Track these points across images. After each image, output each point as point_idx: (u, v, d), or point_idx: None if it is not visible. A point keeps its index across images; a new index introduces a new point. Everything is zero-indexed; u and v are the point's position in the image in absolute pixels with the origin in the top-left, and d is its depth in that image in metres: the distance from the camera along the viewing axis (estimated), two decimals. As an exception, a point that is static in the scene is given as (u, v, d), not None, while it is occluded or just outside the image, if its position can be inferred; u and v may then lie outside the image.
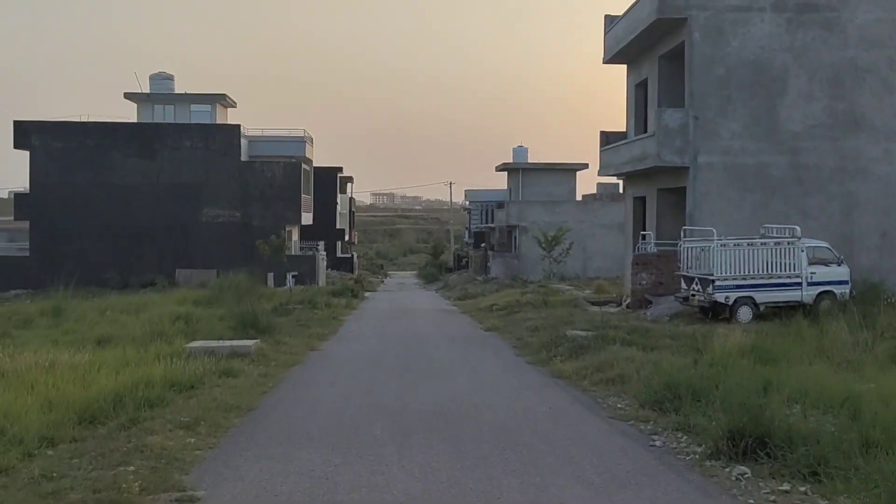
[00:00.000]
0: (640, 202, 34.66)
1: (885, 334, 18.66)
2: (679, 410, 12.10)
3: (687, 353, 17.80)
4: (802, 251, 24.85)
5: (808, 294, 24.76)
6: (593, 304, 34.61)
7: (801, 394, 11.94)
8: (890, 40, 28.13)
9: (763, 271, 24.69)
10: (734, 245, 24.77)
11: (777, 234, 25.99)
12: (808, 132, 28.16)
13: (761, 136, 28.20)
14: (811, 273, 24.89)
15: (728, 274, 24.45)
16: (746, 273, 24.56)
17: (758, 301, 24.58)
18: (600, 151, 36.60)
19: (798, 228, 25.09)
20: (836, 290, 25.00)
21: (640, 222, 34.66)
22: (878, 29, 28.13)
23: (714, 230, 24.86)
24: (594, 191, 74.88)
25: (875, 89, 28.20)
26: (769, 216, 27.62)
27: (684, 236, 26.54)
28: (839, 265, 25.34)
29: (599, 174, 37.14)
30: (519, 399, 14.34)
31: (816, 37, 28.18)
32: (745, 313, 24.30)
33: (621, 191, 72.35)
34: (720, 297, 24.32)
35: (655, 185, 31.82)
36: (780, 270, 24.76)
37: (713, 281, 24.33)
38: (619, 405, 13.55)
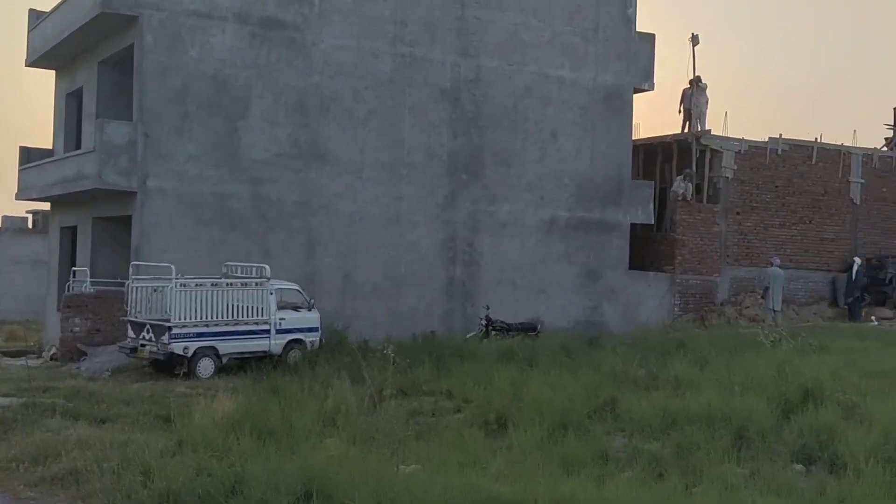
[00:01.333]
0: (70, 233, 29.19)
1: (385, 391, 16.06)
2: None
3: (158, 426, 13.49)
4: (272, 294, 21.68)
5: (276, 343, 21.53)
6: (6, 354, 28.41)
7: None
8: (354, 69, 26.31)
9: (228, 317, 21.01)
10: (196, 285, 20.77)
11: (243, 273, 22.54)
12: (272, 161, 25.21)
13: (221, 163, 24.65)
14: (280, 319, 21.73)
15: (188, 320, 20.36)
16: (209, 319, 20.69)
17: (221, 352, 20.80)
18: (19, 171, 30.46)
19: (267, 268, 21.88)
20: (307, 337, 22.16)
21: (68, 257, 29.16)
22: (343, 56, 26.19)
23: (173, 267, 20.63)
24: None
25: (340, 120, 26.15)
26: (229, 253, 24.02)
27: (133, 274, 21.91)
28: (310, 310, 22.56)
29: (18, 198, 30.87)
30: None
31: (282, 57, 25.43)
32: (206, 367, 20.39)
33: (31, 225, 64.84)
34: (178, 347, 20.10)
35: (92, 213, 26.69)
36: (248, 316, 21.28)
37: (170, 328, 20.09)
38: (81, 526, 8.87)
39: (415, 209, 27.09)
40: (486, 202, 28.05)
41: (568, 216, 29.16)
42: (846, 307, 30.88)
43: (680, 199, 30.84)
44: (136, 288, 21.53)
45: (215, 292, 20.93)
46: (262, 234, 25.12)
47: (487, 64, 28.05)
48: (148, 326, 20.63)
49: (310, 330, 22.35)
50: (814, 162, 33.03)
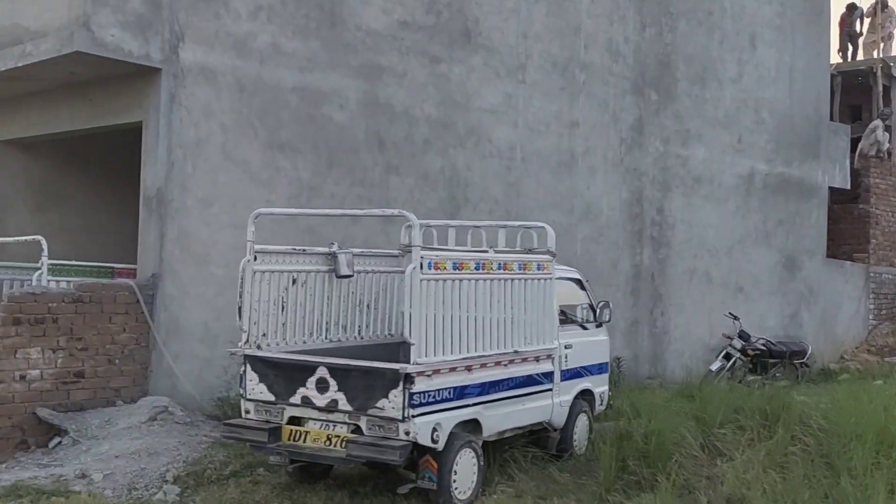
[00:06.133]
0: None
1: None
2: None
3: None
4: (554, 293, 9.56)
5: (560, 404, 9.53)
6: None
7: None
8: None
9: (498, 346, 8.61)
10: (441, 272, 8.31)
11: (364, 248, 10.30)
12: (394, 36, 12.87)
13: (310, 28, 12.11)
14: (566, 349, 9.74)
15: (435, 357, 7.98)
16: (472, 353, 8.32)
17: (484, 431, 8.50)
18: None
19: (550, 234, 9.73)
20: (595, 386, 10.33)
21: None
22: None
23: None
24: None
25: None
26: (323, 208, 11.61)
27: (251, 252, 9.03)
28: (598, 326, 10.67)
29: None
30: None
31: None
32: (466, 470, 8.15)
33: None
34: (424, 427, 7.68)
35: (46, 121, 13.06)
36: (521, 343, 8.96)
37: (410, 383, 7.71)
38: None
39: (593, 146, 15.60)
40: (679, 142, 16.99)
41: (766, 171, 18.61)
42: None
43: (873, 154, 21.12)
44: (279, 275, 8.78)
45: (476, 286, 8.54)
46: (379, 177, 12.79)
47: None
48: (324, 372, 8.02)
49: (599, 370, 10.49)
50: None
